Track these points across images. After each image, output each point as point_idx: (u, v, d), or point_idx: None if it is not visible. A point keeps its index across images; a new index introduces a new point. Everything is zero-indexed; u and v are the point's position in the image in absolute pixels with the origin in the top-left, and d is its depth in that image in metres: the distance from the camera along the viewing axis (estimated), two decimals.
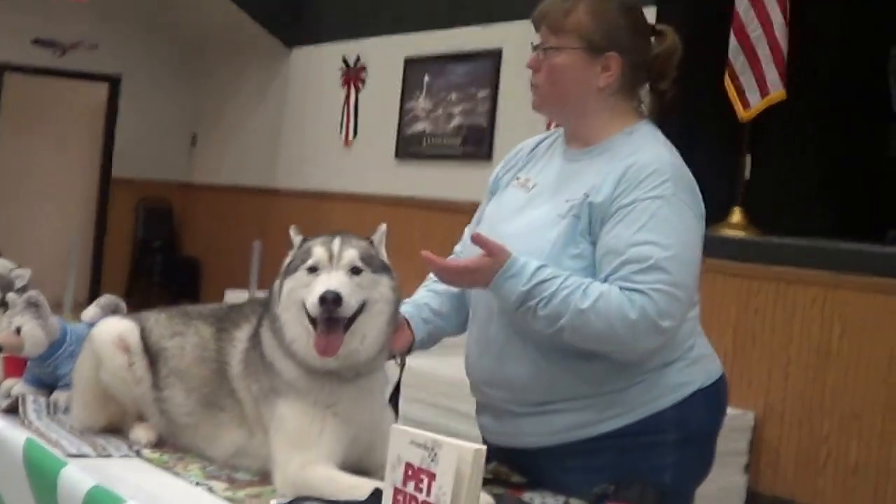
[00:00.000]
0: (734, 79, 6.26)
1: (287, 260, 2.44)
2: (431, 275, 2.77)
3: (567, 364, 2.51)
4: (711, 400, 2.64)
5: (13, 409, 2.89)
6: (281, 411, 2.37)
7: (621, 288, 2.39)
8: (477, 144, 8.03)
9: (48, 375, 2.98)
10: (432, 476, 1.81)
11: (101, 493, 2.19)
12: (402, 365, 2.68)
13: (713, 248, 4.83)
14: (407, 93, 8.84)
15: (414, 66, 8.78)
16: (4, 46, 11.23)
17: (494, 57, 7.91)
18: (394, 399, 2.69)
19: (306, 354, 2.34)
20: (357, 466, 2.37)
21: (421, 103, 8.67)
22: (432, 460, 1.82)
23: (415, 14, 8.75)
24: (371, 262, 2.37)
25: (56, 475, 2.33)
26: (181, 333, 2.64)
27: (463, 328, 2.78)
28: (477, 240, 2.45)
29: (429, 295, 2.79)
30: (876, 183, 7.08)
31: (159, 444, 2.64)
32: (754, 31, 6.13)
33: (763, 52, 6.14)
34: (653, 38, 2.64)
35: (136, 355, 2.66)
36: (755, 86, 6.21)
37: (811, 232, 6.39)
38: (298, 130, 10.28)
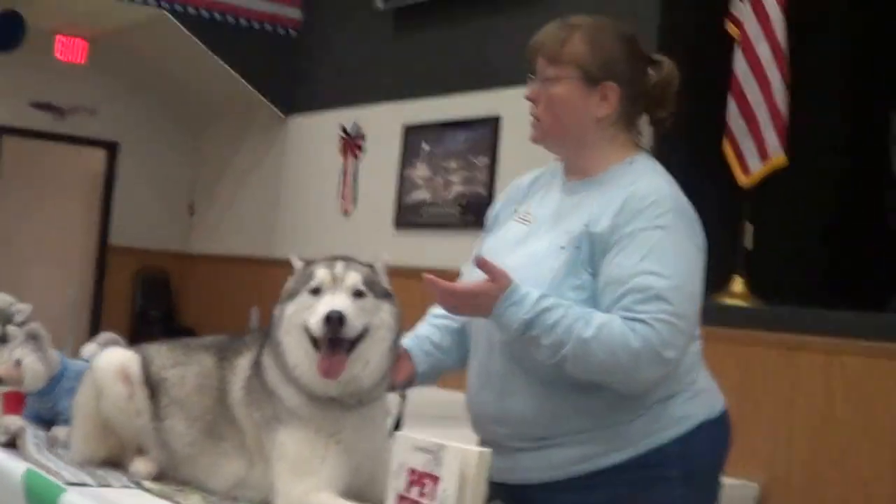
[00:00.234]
0: (733, 143, 6.22)
1: (289, 284, 2.43)
2: (432, 309, 2.78)
3: (569, 397, 2.50)
4: (715, 434, 2.62)
5: (12, 444, 2.87)
6: (282, 439, 2.35)
7: (623, 318, 2.38)
8: (476, 213, 8.02)
9: (47, 411, 2.96)
10: (436, 480, 1.79)
11: None
12: (404, 397, 2.66)
13: (714, 316, 4.81)
14: (406, 161, 8.83)
15: (413, 134, 8.77)
16: (3, 109, 11.23)
17: (493, 124, 7.93)
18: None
19: (309, 380, 2.32)
20: (359, 497, 2.34)
21: (420, 171, 8.67)
22: (436, 464, 1.80)
23: (413, 81, 8.77)
24: (373, 288, 2.36)
25: (55, 501, 2.30)
26: (182, 363, 2.62)
27: (464, 363, 2.77)
28: (480, 264, 2.45)
29: (430, 329, 2.79)
30: (877, 249, 7.06)
31: (159, 477, 2.61)
32: (753, 95, 6.09)
33: (762, 115, 6.10)
34: (650, 68, 2.65)
35: (136, 386, 2.63)
36: (755, 151, 6.16)
37: (812, 299, 6.36)
38: (296, 199, 10.28)
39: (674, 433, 2.53)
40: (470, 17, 8.24)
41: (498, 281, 2.42)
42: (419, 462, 1.83)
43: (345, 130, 9.54)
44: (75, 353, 3.20)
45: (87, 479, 2.53)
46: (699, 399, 2.58)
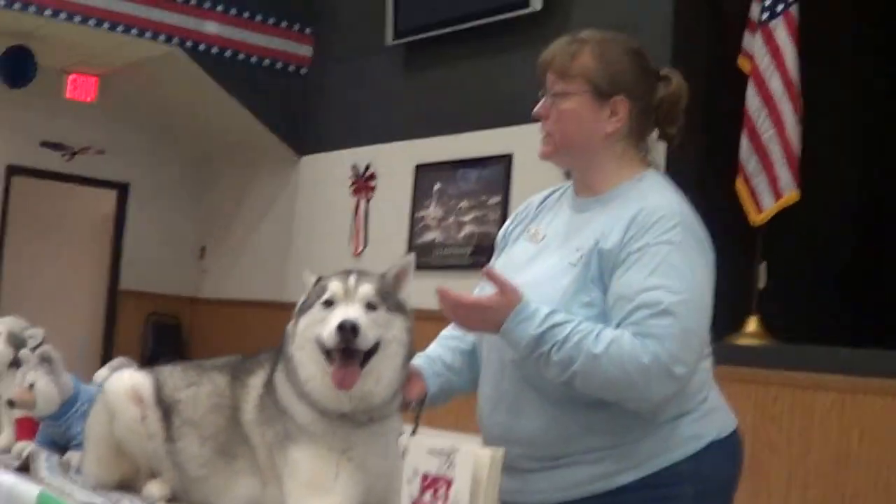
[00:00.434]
0: (746, 181, 6.22)
1: (301, 299, 2.42)
2: (443, 332, 2.80)
3: (581, 417, 2.50)
4: (727, 452, 2.61)
5: (25, 468, 2.85)
6: (295, 457, 2.33)
7: (633, 333, 2.38)
8: (488, 254, 8.00)
9: (60, 436, 2.94)
10: (450, 482, 1.78)
11: None
12: (419, 415, 2.64)
13: (728, 355, 4.78)
14: (417, 201, 8.84)
15: (424, 173, 8.78)
16: (12, 148, 11.24)
17: (505, 162, 7.93)
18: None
19: (321, 395, 2.30)
20: None
21: (432, 211, 8.67)
22: (449, 466, 1.80)
23: (424, 119, 8.78)
24: (386, 300, 2.34)
25: None
26: (195, 384, 2.60)
27: (475, 385, 2.76)
28: (489, 275, 2.46)
29: (440, 350, 2.79)
30: (893, 285, 7.04)
31: (172, 498, 2.59)
32: (766, 131, 6.09)
33: (775, 153, 6.10)
34: (659, 83, 2.65)
35: (149, 408, 2.61)
36: (768, 188, 6.16)
37: (827, 337, 6.33)
38: (308, 240, 10.27)
39: (685, 452, 2.52)
40: (481, 52, 8.27)
41: (507, 295, 2.42)
42: (432, 466, 1.82)
43: (356, 170, 9.54)
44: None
45: (101, 502, 2.52)
46: (710, 418, 2.57)
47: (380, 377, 2.31)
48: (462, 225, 8.36)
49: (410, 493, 1.87)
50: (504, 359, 2.57)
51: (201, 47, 9.93)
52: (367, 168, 9.46)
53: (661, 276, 2.41)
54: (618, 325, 2.41)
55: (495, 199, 8.03)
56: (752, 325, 6.32)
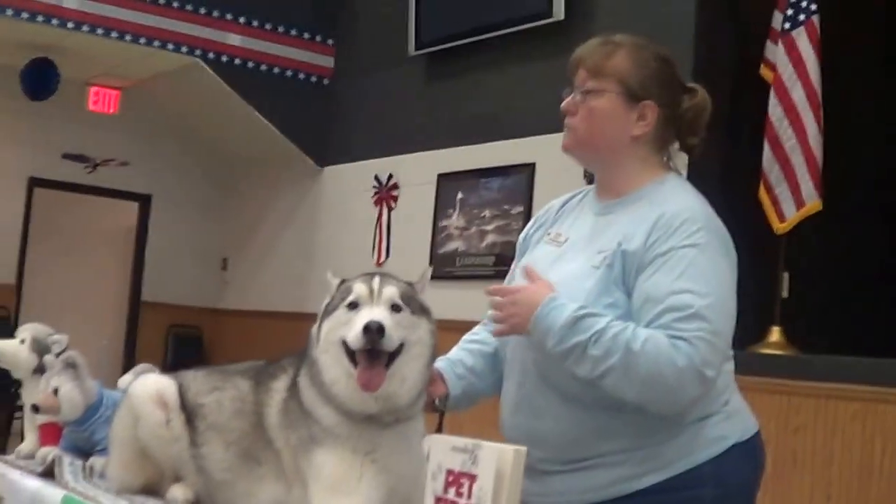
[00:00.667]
0: (769, 190, 6.21)
1: (325, 301, 2.42)
2: (465, 336, 2.83)
3: (604, 419, 2.50)
4: (749, 455, 2.61)
5: (49, 473, 2.86)
6: (319, 459, 2.32)
7: (666, 335, 2.38)
8: (510, 264, 7.99)
9: (84, 441, 2.95)
10: (473, 478, 1.79)
11: None
12: (443, 413, 2.65)
13: (751, 365, 4.77)
14: (440, 210, 8.84)
15: (447, 183, 8.78)
16: (34, 160, 11.28)
17: (528, 171, 7.93)
18: None
19: (346, 397, 2.30)
20: None
21: (454, 221, 8.67)
22: (473, 463, 1.80)
23: (446, 130, 8.78)
24: (410, 303, 2.35)
25: None
26: (219, 388, 2.60)
27: (497, 388, 2.77)
28: (527, 272, 2.54)
29: (463, 353, 2.81)
30: None
31: (197, 503, 2.58)
32: (788, 140, 6.08)
33: (798, 162, 6.09)
34: (685, 94, 2.67)
35: (173, 412, 2.61)
36: (791, 197, 6.15)
37: (850, 346, 6.30)
38: (330, 252, 10.26)
39: (709, 454, 2.52)
40: (503, 62, 8.26)
41: (538, 283, 2.48)
42: (456, 463, 1.83)
43: (379, 180, 9.54)
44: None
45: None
46: (732, 420, 2.58)
47: (405, 378, 2.31)
48: (484, 234, 8.36)
49: (434, 490, 1.88)
50: (527, 361, 2.58)
51: (223, 59, 9.96)
52: (389, 178, 9.47)
53: (688, 279, 2.42)
54: (646, 327, 2.41)
55: (518, 209, 8.03)
56: (774, 334, 6.30)
